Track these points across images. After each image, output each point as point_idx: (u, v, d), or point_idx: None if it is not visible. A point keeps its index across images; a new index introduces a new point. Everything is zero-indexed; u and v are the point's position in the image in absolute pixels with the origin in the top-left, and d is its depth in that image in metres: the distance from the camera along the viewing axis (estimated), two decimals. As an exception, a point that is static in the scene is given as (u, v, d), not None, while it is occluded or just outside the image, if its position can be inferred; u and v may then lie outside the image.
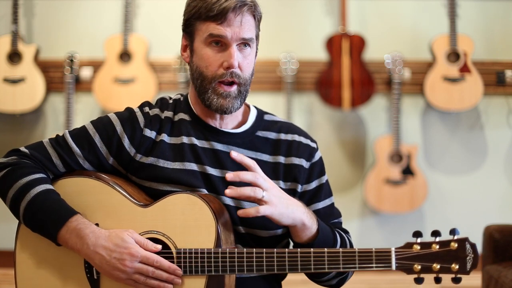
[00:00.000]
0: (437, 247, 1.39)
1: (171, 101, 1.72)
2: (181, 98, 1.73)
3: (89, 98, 4.03)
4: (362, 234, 4.08)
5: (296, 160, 1.68)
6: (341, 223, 1.73)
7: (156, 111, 1.68)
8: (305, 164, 1.69)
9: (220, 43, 1.58)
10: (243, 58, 1.59)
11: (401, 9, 4.10)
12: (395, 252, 1.41)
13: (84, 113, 4.05)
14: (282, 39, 4.03)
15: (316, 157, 1.72)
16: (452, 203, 4.11)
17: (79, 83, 4.00)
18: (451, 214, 4.10)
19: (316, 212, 1.64)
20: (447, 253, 1.38)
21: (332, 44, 3.90)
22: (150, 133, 1.64)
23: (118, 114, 1.68)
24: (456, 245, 1.38)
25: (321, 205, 1.69)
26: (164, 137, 1.65)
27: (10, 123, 4.05)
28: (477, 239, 2.84)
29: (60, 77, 3.94)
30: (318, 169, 1.71)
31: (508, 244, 2.71)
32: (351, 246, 1.66)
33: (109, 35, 3.97)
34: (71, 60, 3.88)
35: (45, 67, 3.97)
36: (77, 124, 3.70)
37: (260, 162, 1.59)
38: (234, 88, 1.59)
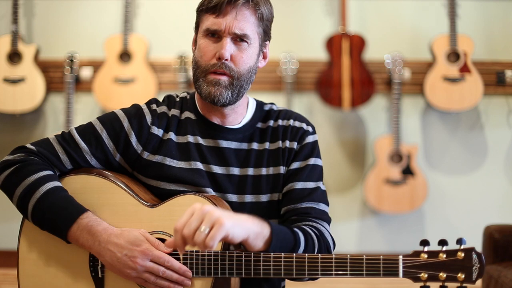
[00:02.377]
0: (444, 256, 1.39)
1: (178, 99, 1.72)
2: (188, 96, 1.73)
3: (89, 98, 4.02)
4: (362, 234, 4.07)
5: (288, 144, 1.69)
6: (322, 210, 1.65)
7: (163, 108, 1.68)
8: (295, 146, 1.69)
9: (216, 34, 1.59)
10: (237, 52, 1.59)
11: (401, 9, 4.10)
12: (403, 260, 1.41)
13: (84, 113, 4.04)
14: (282, 39, 4.02)
15: (308, 139, 1.70)
16: (452, 203, 4.12)
17: (79, 83, 4.00)
18: (451, 214, 4.11)
19: (291, 192, 1.63)
20: (454, 262, 1.39)
21: (332, 44, 3.90)
22: (157, 131, 1.65)
23: (125, 110, 1.67)
24: (462, 254, 1.39)
25: (299, 185, 1.65)
26: (172, 135, 1.65)
27: (10, 123, 4.04)
28: (477, 239, 2.86)
29: (60, 77, 3.93)
30: (307, 150, 1.69)
31: (508, 244, 2.72)
32: (319, 244, 1.56)
33: (109, 35, 3.97)
34: (71, 60, 3.87)
35: (45, 67, 3.96)
36: (77, 124, 3.69)
37: (261, 151, 1.65)
38: (224, 78, 1.59)
